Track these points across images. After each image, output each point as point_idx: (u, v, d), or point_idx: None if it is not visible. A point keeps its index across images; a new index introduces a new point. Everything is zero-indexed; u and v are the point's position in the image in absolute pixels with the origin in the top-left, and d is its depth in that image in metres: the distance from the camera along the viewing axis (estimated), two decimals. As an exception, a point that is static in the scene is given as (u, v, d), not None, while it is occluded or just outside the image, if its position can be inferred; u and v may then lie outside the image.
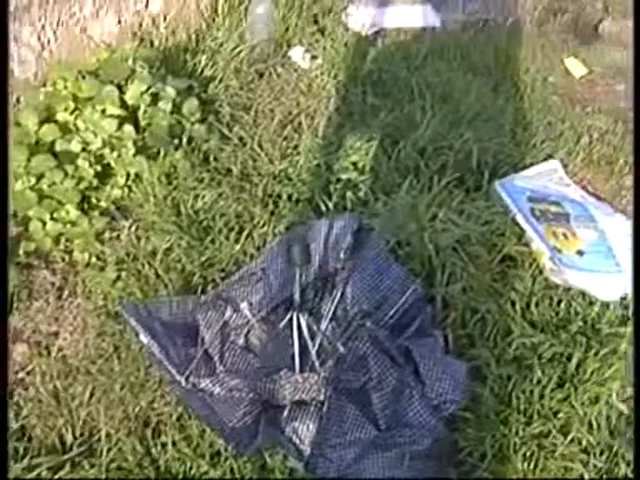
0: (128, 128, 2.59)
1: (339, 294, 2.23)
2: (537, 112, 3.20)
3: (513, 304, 2.34)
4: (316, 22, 3.54)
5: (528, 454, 2.03)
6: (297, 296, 2.12)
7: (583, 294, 2.40)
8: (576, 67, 3.62)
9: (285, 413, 2.03)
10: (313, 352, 2.10)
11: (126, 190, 2.59)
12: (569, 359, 2.21)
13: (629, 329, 2.25)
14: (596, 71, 3.62)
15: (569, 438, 2.06)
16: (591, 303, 2.38)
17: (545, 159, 2.93)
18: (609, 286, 2.44)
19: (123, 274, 2.37)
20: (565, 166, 2.95)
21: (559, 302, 2.38)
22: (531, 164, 2.89)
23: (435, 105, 3.00)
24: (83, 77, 2.69)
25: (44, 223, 2.41)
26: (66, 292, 2.34)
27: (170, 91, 2.70)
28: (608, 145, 3.10)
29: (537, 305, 2.35)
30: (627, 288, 2.40)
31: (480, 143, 2.82)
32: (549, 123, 3.16)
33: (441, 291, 2.33)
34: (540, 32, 3.81)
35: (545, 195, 2.74)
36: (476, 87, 3.20)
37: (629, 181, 2.93)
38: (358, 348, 2.12)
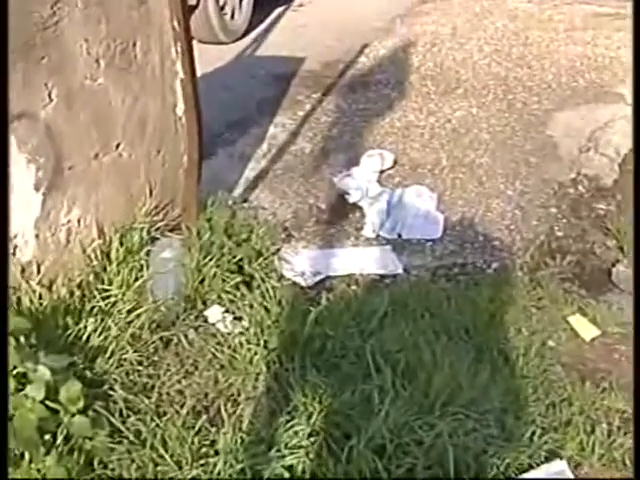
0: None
1: None
2: (534, 391, 3.29)
3: None
4: (240, 270, 3.79)
5: None
6: None
7: None
8: (584, 327, 3.77)
9: None
10: None
11: (-26, 513, 2.67)
12: None
13: None
14: (610, 332, 3.75)
15: None
16: None
17: (547, 458, 2.99)
18: None
19: None
20: (576, 467, 3.00)
21: None
22: (529, 466, 2.95)
23: (397, 384, 3.16)
24: None
25: None
26: None
27: (43, 371, 2.84)
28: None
29: None
30: None
31: (457, 437, 2.95)
32: (552, 405, 3.23)
33: None
34: (534, 281, 4.02)
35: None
36: (451, 357, 3.36)
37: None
38: None
